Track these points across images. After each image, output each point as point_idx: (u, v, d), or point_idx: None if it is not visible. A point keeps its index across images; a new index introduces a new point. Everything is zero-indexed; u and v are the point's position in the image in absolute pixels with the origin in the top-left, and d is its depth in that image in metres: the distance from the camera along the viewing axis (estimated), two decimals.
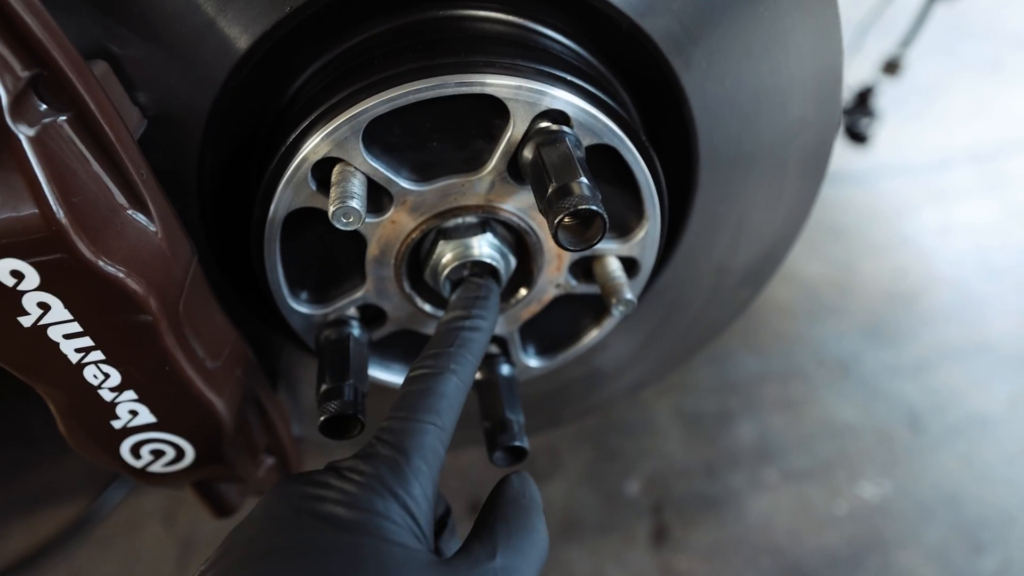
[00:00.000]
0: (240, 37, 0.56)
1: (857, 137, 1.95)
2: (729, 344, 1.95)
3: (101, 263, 0.51)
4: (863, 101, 1.84)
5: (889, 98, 2.58)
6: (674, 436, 1.76)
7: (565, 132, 0.54)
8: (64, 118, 0.49)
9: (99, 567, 1.60)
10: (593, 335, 0.76)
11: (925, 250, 2.20)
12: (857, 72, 1.99)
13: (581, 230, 0.49)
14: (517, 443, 0.65)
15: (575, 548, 1.50)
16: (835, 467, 1.67)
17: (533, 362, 0.76)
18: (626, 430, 1.77)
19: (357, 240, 0.62)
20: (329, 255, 0.65)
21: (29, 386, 0.58)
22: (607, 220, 0.48)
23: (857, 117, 1.88)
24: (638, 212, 0.65)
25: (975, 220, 2.29)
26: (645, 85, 0.66)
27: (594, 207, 0.47)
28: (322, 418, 0.59)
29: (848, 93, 1.91)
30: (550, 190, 0.49)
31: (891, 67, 1.65)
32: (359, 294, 0.65)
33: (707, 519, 1.58)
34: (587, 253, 0.67)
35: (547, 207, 0.49)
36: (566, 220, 0.47)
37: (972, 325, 1.97)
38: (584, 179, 0.49)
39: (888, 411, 1.77)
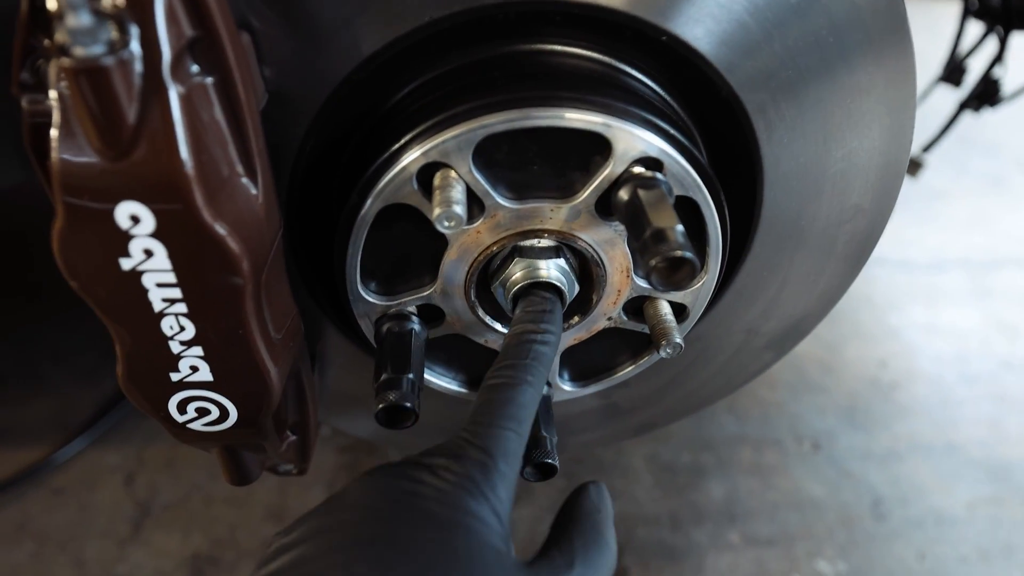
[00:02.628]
0: (372, 38, 0.59)
1: None
2: None
3: (212, 221, 0.53)
4: None
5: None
6: (645, 482, 1.79)
7: (661, 179, 0.58)
8: (211, 80, 0.52)
9: (51, 515, 1.58)
10: (628, 370, 0.79)
11: (909, 344, 2.28)
12: None
13: (670, 273, 0.52)
14: (549, 460, 0.68)
15: None
16: (796, 539, 1.71)
17: (567, 387, 0.79)
18: (599, 469, 1.80)
19: (438, 242, 0.65)
20: (404, 252, 0.68)
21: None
22: (698, 268, 0.52)
23: None
24: (701, 263, 0.69)
25: (960, 325, 2.38)
26: (725, 147, 0.70)
27: (689, 255, 0.51)
28: (380, 406, 0.62)
29: None
30: (647, 233, 0.52)
31: (912, 167, 1.73)
32: (426, 292, 0.68)
33: (665, 569, 1.61)
34: (643, 294, 0.71)
35: (643, 248, 0.52)
36: (662, 263, 0.51)
37: (944, 424, 2.04)
38: (680, 226, 0.53)
39: (854, 494, 1.82)
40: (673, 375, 0.91)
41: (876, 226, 0.77)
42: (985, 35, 1.56)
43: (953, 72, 1.59)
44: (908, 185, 2.42)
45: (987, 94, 1.54)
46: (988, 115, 1.89)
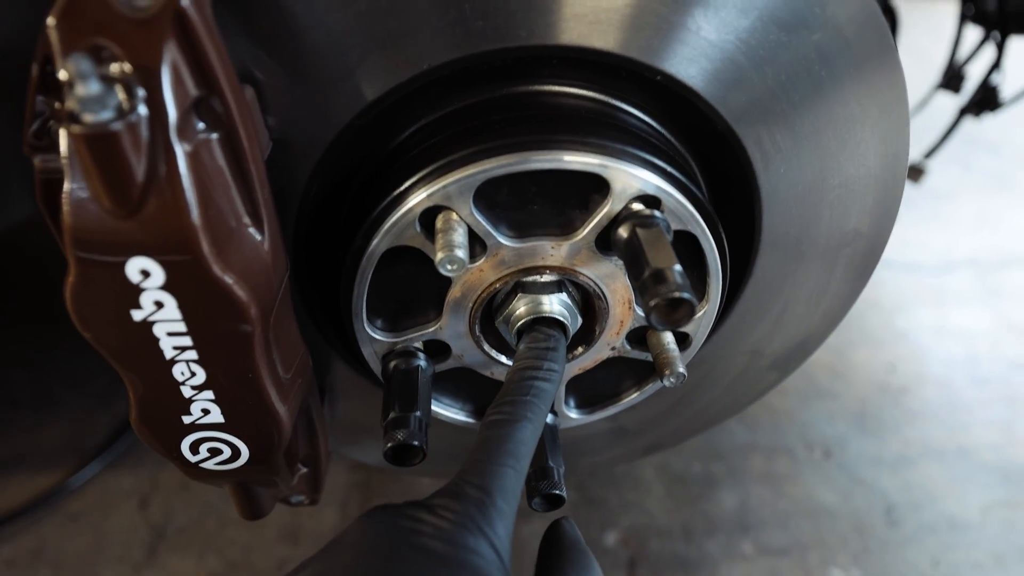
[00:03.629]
0: (373, 86, 0.60)
1: None
2: None
3: (220, 271, 0.55)
4: None
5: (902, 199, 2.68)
6: (657, 493, 1.80)
7: (659, 217, 0.59)
8: (216, 136, 0.53)
9: (67, 541, 1.59)
10: (633, 397, 0.80)
11: (918, 348, 2.28)
12: None
13: (669, 312, 0.53)
14: (557, 491, 0.69)
15: None
16: (809, 548, 1.71)
17: (573, 414, 0.80)
18: (611, 481, 1.81)
19: (442, 280, 0.66)
20: (409, 290, 0.69)
21: (15, 352, 0.61)
22: (695, 308, 0.52)
23: None
24: (701, 293, 0.70)
25: (969, 326, 2.37)
26: (724, 178, 0.71)
27: (687, 295, 0.52)
28: (388, 445, 0.63)
29: None
30: (646, 273, 0.53)
31: (914, 173, 1.73)
32: (431, 329, 0.69)
33: None
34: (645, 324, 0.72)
35: (643, 288, 0.53)
36: (661, 303, 0.52)
37: (955, 428, 2.03)
38: (678, 267, 0.54)
39: (866, 500, 1.82)
40: (679, 397, 0.91)
41: (876, 248, 0.77)
42: (983, 41, 1.56)
43: (952, 79, 1.60)
44: (913, 187, 2.43)
45: (986, 100, 1.55)
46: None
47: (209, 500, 1.69)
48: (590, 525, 1.69)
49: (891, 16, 1.50)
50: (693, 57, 0.60)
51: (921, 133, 2.00)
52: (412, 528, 0.49)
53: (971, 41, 1.63)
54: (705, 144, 0.68)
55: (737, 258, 0.76)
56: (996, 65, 1.55)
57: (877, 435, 2.00)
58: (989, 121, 3.17)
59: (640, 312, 0.69)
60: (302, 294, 0.76)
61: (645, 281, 0.53)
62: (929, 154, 1.73)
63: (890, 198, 0.73)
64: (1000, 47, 1.52)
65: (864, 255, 0.78)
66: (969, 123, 1.92)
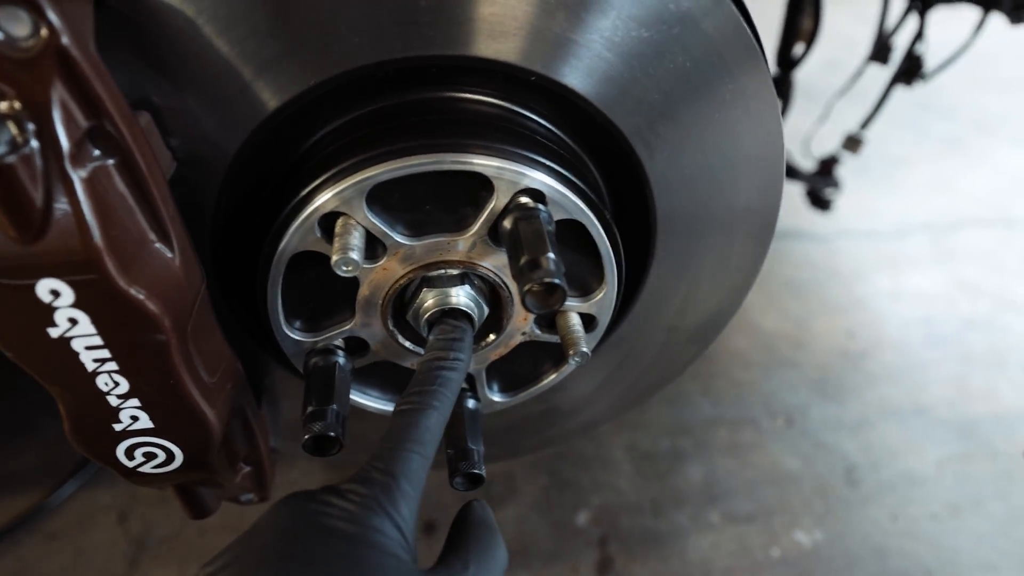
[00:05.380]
0: (270, 100, 0.64)
1: (820, 203, 2.08)
2: (687, 388, 2.06)
3: (128, 287, 0.59)
4: (826, 170, 1.97)
5: (856, 166, 2.74)
6: (626, 472, 1.85)
7: (539, 209, 0.64)
8: (112, 162, 0.57)
9: (48, 560, 1.61)
10: (552, 378, 0.84)
11: (876, 313, 2.34)
12: (826, 140, 2.14)
13: (545, 296, 0.58)
14: (476, 470, 0.73)
15: (523, 572, 1.57)
16: (774, 513, 1.77)
17: (497, 397, 0.85)
18: (581, 463, 1.86)
19: (350, 281, 0.70)
20: (323, 291, 0.73)
21: None
22: (567, 292, 0.57)
23: (820, 184, 2.01)
24: (599, 277, 0.74)
25: (924, 289, 2.43)
26: (614, 167, 0.75)
27: (557, 280, 0.56)
28: (306, 437, 0.67)
29: (814, 161, 2.05)
30: (522, 261, 0.58)
31: (852, 144, 1.79)
32: (347, 327, 0.74)
33: (650, 554, 1.66)
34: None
35: (519, 275, 0.58)
36: (534, 288, 0.56)
37: (912, 388, 2.10)
38: (552, 254, 0.58)
39: (827, 463, 1.88)
40: (605, 376, 0.96)
41: (767, 220, 0.82)
42: (906, 12, 1.61)
43: (880, 50, 1.65)
44: (869, 154, 2.49)
45: (912, 70, 1.60)
46: (946, 78, 1.94)
47: None
48: (562, 507, 1.74)
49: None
50: (563, 57, 0.65)
51: (858, 106, 2.06)
52: (321, 511, 0.54)
53: (896, 14, 1.68)
54: (591, 137, 0.73)
55: (637, 241, 0.80)
56: (919, 35, 1.60)
57: (838, 400, 2.06)
58: (944, 88, 3.24)
59: None
60: (229, 302, 0.80)
61: (521, 268, 0.58)
62: (864, 124, 1.78)
63: (774, 173, 0.78)
64: (922, 17, 1.57)
65: (759, 227, 0.82)
66: (924, 91, 1.96)
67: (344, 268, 0.61)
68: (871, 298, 2.40)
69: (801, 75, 1.98)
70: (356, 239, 0.63)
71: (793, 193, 2.54)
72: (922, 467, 1.88)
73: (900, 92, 1.82)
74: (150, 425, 0.69)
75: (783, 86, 1.75)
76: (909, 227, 2.72)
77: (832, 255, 2.58)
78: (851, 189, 2.59)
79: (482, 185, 0.65)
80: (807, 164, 2.08)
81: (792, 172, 1.97)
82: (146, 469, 0.74)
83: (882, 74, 1.75)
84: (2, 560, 1.59)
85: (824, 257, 2.57)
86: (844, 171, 2.16)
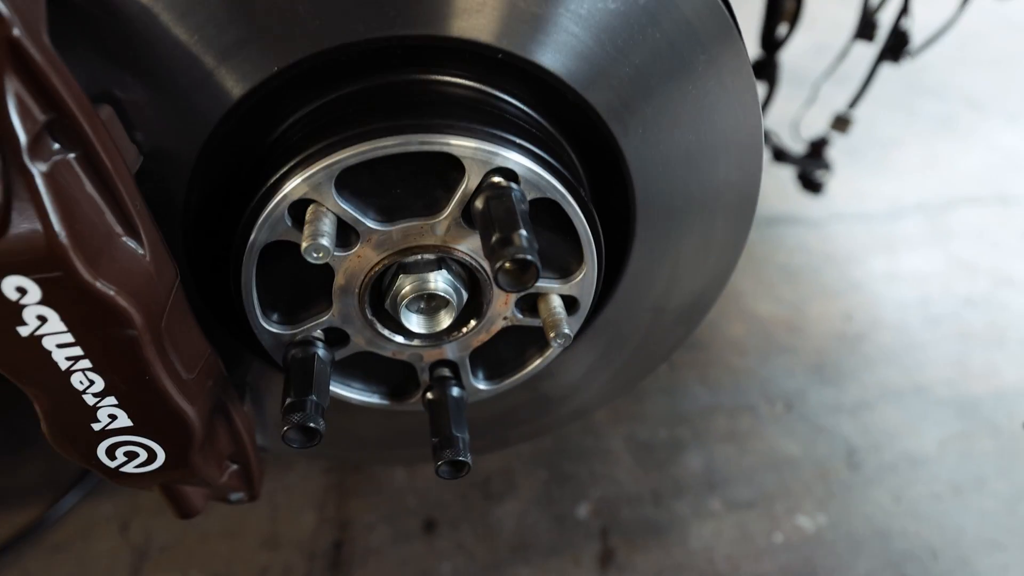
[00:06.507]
0: (234, 88, 0.64)
1: (811, 186, 2.07)
2: (684, 377, 2.05)
3: (95, 282, 0.58)
4: (817, 152, 1.96)
5: (847, 148, 2.73)
6: (625, 463, 1.84)
7: (512, 188, 0.63)
8: (73, 156, 0.56)
9: (52, 571, 1.61)
10: (537, 363, 0.84)
11: (872, 295, 2.32)
12: (815, 124, 2.13)
13: (518, 275, 0.57)
14: (460, 458, 0.73)
15: (524, 568, 1.56)
16: (775, 499, 1.76)
17: (482, 385, 0.84)
18: (580, 455, 1.85)
19: (326, 270, 0.69)
20: (300, 282, 0.72)
21: None
22: (540, 268, 0.56)
23: (811, 167, 2.00)
24: (578, 257, 0.73)
25: (920, 269, 2.42)
26: (590, 147, 0.75)
27: (529, 257, 0.55)
28: (285, 428, 0.66)
29: (804, 144, 2.03)
30: (494, 239, 0.57)
31: (841, 124, 1.78)
32: (325, 318, 0.73)
33: (651, 544, 1.65)
34: (531, 291, 0.75)
35: (490, 253, 0.57)
36: (506, 266, 0.55)
37: (911, 368, 2.08)
38: (524, 231, 0.57)
39: (828, 447, 1.87)
40: (592, 361, 0.95)
41: (748, 196, 0.81)
42: None
43: (865, 27, 1.64)
44: (860, 136, 2.47)
45: (898, 46, 1.59)
46: (935, 57, 1.92)
47: None
48: (562, 501, 1.73)
49: None
50: (529, 33, 0.64)
51: (846, 86, 2.05)
52: None
53: None
54: (565, 116, 0.72)
55: (618, 221, 0.79)
56: (904, 11, 1.59)
57: (836, 383, 2.05)
58: (934, 66, 3.23)
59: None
60: (205, 297, 0.79)
61: (492, 246, 0.57)
62: (852, 104, 1.77)
63: (753, 147, 0.77)
64: None
65: (740, 202, 0.82)
66: (914, 69, 1.95)
67: (315, 255, 0.60)
68: (867, 280, 2.39)
69: (788, 60, 1.97)
70: (327, 225, 0.62)
71: (785, 179, 2.53)
72: (923, 447, 1.87)
73: (889, 73, 1.81)
74: (129, 423, 0.69)
75: (768, 68, 1.74)
76: (903, 208, 2.71)
77: (826, 239, 2.57)
78: (843, 172, 2.58)
79: (453, 166, 0.64)
80: (797, 148, 2.07)
81: (782, 156, 1.95)
82: (129, 469, 0.73)
83: (869, 54, 1.74)
84: (6, 573, 1.58)
85: (818, 241, 2.56)
86: (836, 154, 2.15)
